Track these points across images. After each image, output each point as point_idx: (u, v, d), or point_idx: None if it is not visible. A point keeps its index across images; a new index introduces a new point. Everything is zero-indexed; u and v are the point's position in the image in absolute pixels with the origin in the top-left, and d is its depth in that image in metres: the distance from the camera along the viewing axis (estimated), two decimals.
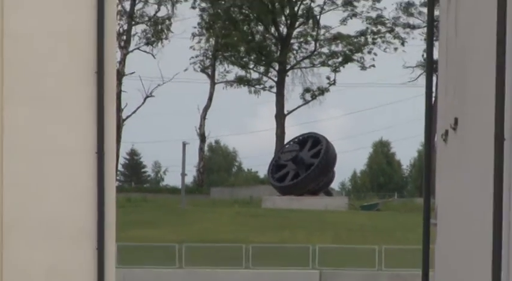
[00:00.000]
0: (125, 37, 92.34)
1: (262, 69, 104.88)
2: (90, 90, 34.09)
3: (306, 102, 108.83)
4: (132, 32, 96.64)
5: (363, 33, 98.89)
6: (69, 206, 34.20)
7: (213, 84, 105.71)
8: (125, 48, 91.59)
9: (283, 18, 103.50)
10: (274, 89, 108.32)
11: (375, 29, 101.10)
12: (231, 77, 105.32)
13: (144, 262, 56.69)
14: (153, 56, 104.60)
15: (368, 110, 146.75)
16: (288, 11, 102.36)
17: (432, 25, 39.68)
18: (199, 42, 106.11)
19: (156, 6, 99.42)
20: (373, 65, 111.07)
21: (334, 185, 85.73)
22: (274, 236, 71.52)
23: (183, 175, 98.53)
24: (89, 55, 33.50)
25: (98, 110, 33.67)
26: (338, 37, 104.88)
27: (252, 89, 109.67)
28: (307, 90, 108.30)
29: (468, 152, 32.52)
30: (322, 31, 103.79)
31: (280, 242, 71.04)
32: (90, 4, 33.73)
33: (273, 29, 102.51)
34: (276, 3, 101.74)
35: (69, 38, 33.57)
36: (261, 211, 79.10)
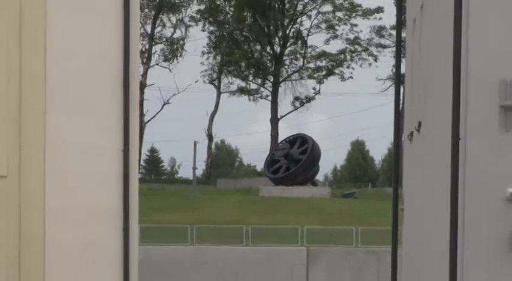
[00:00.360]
0: (146, 55, 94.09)
1: (259, 81, 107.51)
2: (117, 99, 34.03)
3: (296, 108, 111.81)
4: (153, 51, 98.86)
5: (342, 51, 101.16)
6: (101, 194, 34.29)
7: (219, 93, 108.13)
8: (146, 63, 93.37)
9: (277, 39, 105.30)
10: (269, 98, 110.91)
11: (352, 48, 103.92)
12: (233, 87, 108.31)
13: (161, 241, 57.26)
14: (170, 70, 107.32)
15: (347, 115, 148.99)
16: (280, 33, 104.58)
17: (400, 45, 41.48)
18: (207, 58, 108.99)
19: (172, 29, 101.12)
20: (351, 77, 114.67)
21: (319, 177, 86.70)
22: (269, 219, 72.73)
23: (194, 168, 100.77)
24: (117, 70, 33.40)
25: (124, 115, 33.81)
26: (322, 55, 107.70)
27: (251, 97, 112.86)
28: (296, 98, 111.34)
29: (429, 149, 32.99)
30: (309, 50, 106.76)
31: (274, 224, 72.15)
32: (117, 27, 33.83)
33: (268, 48, 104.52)
34: (271, 27, 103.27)
35: (100, 55, 33.53)
36: (258, 199, 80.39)
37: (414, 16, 37.92)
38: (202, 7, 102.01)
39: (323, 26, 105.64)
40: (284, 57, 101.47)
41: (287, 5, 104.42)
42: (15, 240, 33.22)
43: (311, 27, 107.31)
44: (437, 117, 29.97)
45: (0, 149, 33.10)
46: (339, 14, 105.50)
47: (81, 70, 33.05)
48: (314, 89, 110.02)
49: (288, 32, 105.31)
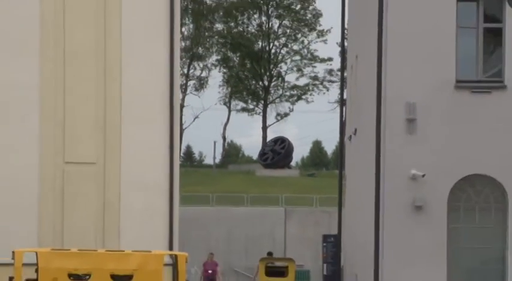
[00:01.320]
0: (184, 87, 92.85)
1: (255, 103, 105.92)
2: (166, 114, 34.59)
3: (278, 121, 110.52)
4: (188, 84, 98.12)
5: (307, 84, 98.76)
6: (156, 174, 34.97)
7: (229, 111, 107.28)
8: (184, 92, 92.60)
9: (265, 77, 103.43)
10: (261, 114, 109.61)
11: (313, 82, 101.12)
12: (238, 107, 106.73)
13: (193, 204, 56.82)
14: (199, 96, 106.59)
15: (310, 124, 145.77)
16: (268, 74, 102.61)
17: (343, 80, 41.25)
18: (222, 89, 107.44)
19: (200, 70, 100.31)
20: (313, 101, 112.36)
21: (293, 163, 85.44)
22: (261, 190, 72.16)
23: (214, 158, 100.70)
24: (166, 96, 33.89)
25: (170, 124, 33.90)
26: (294, 87, 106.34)
27: (250, 113, 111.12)
28: (278, 114, 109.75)
29: (361, 146, 32.85)
30: (285, 84, 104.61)
31: (264, 193, 71.39)
32: (166, 70, 33.87)
33: (260, 83, 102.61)
34: (262, 69, 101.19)
35: (156, 88, 33.90)
36: (254, 177, 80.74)
37: (352, 63, 37.67)
38: (219, 57, 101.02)
39: (294, 69, 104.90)
40: (270, 89, 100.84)
41: (272, 56, 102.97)
42: (101, 205, 33.76)
43: (287, 69, 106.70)
44: (367, 126, 29.86)
45: (91, 146, 34.09)
46: (305, 61, 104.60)
47: (145, 95, 33.63)
48: (289, 108, 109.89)
49: (272, 72, 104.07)
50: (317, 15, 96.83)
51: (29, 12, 33.15)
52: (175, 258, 34.24)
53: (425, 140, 26.36)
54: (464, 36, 26.51)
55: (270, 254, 42.60)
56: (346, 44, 42.49)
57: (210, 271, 42.41)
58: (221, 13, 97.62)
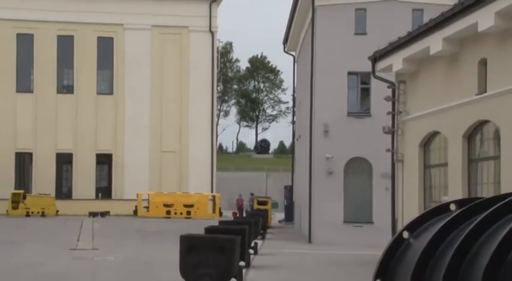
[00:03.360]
0: (218, 115, 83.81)
1: (252, 122, 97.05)
2: (209, 127, 43.03)
3: (263, 130, 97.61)
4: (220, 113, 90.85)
5: (277, 113, 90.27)
6: (205, 156, 42.91)
7: (239, 127, 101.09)
8: (217, 118, 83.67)
9: (257, 111, 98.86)
10: (255, 128, 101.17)
11: (279, 112, 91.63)
12: (244, 125, 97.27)
13: (222, 171, 54.04)
14: (224, 119, 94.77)
15: (279, 132, 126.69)
16: (258, 109, 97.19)
17: (294, 112, 45.05)
18: (237, 116, 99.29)
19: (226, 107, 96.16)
20: (280, 121, 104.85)
21: (270, 152, 79.81)
22: (256, 165, 67.19)
23: (232, 147, 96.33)
24: (209, 118, 42.73)
25: (211, 133, 42.57)
26: (271, 115, 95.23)
27: (250, 128, 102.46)
28: (263, 128, 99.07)
29: (302, 144, 36.34)
30: (267, 113, 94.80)
31: (256, 165, 67.46)
32: (210, 107, 42.42)
33: (255, 112, 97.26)
34: (255, 107, 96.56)
35: (205, 115, 42.97)
36: (252, 158, 75.43)
37: (298, 103, 40.81)
38: (235, 101, 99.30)
39: (272, 106, 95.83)
40: (259, 115, 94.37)
41: (260, 99, 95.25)
42: (179, 174, 43.93)
43: (267, 106, 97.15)
44: (304, 133, 34.84)
45: (173, 144, 43.47)
46: (276, 102, 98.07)
47: (201, 118, 42.98)
48: (268, 125, 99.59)
49: (260, 108, 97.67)
50: (281, 81, 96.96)
51: (144, 79, 43.10)
52: (214, 197, 41.43)
53: (332, 140, 30.58)
54: (351, 88, 31.10)
55: (252, 194, 43.58)
56: (295, 94, 44.92)
57: (240, 203, 43.88)
58: (236, 80, 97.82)
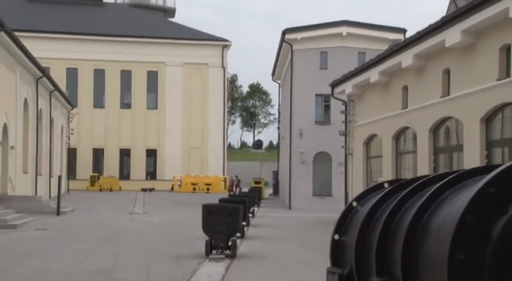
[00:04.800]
0: (227, 123, 78.02)
1: (250, 128, 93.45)
2: (221, 131, 42.17)
3: (258, 133, 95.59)
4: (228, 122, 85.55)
5: (268, 122, 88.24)
6: (219, 150, 41.98)
7: (242, 132, 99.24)
8: (227, 125, 78.23)
9: (254, 120, 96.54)
10: (252, 132, 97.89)
11: (270, 121, 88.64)
12: (245, 129, 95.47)
13: (231, 161, 54.34)
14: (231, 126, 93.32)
15: (269, 135, 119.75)
16: (255, 119, 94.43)
17: (279, 121, 43.42)
18: (241, 124, 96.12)
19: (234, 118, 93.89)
20: (269, 127, 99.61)
21: (263, 148, 76.73)
22: (254, 157, 66.04)
23: (239, 145, 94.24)
24: (222, 125, 41.52)
25: (223, 134, 41.59)
26: (263, 123, 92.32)
27: (249, 132, 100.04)
28: (258, 132, 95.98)
29: (285, 143, 35.42)
30: (260, 122, 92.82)
31: (252, 157, 66.98)
32: (222, 118, 40.99)
33: (251, 126, 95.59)
34: (253, 117, 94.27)
35: (218, 122, 41.68)
36: (250, 152, 72.06)
37: (282, 116, 40.08)
38: (239, 113, 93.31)
39: (264, 117, 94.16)
40: (255, 123, 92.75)
41: (257, 113, 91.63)
42: (201, 163, 42.66)
43: (260, 117, 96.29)
44: (286, 134, 33.82)
45: (198, 142, 42.03)
46: (266, 114, 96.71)
47: (216, 124, 41.79)
48: (262, 130, 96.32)
49: (256, 119, 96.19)
50: (270, 99, 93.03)
51: (178, 99, 42.47)
52: (225, 179, 40.72)
53: (305, 140, 30.31)
54: (317, 105, 31.06)
55: (236, 176, 41.05)
56: (280, 109, 43.02)
57: (231, 183, 40.87)
58: (239, 99, 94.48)
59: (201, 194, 36.40)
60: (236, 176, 41.27)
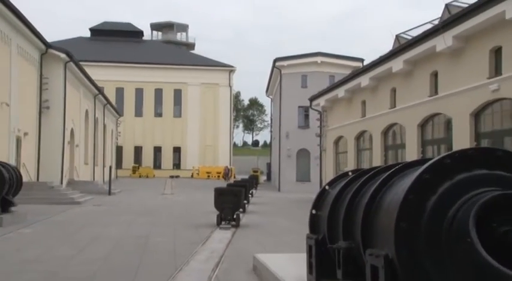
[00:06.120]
0: (232, 128, 70.86)
1: (250, 131, 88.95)
2: (228, 134, 40.04)
3: (256, 135, 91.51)
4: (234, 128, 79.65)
5: (263, 126, 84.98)
6: (226, 147, 40.09)
7: (243, 134, 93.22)
8: (233, 130, 72.58)
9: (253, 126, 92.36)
10: (251, 134, 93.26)
11: (265, 126, 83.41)
12: (246, 132, 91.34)
13: (235, 155, 50.60)
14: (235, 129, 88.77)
15: (263, 136, 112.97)
16: (253, 125, 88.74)
17: (271, 125, 40.47)
18: (243, 128, 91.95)
19: (237, 124, 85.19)
20: (264, 130, 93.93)
21: (259, 145, 72.52)
22: (252, 153, 64.85)
23: (242, 143, 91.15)
24: (229, 129, 39.39)
25: (229, 137, 39.78)
26: (259, 127, 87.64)
27: (249, 134, 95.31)
28: (256, 134, 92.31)
29: (275, 142, 33.17)
30: (257, 127, 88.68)
31: (249, 152, 65.59)
32: (228, 124, 39.16)
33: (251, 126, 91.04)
34: (252, 123, 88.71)
35: (226, 127, 39.92)
36: (250, 148, 72.32)
37: (273, 122, 36.90)
38: (241, 120, 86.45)
39: (260, 122, 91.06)
40: (254, 128, 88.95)
41: (255, 120, 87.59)
42: (213, 156, 40.82)
43: (257, 122, 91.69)
44: (277, 135, 32.25)
45: (210, 140, 40.03)
46: (261, 121, 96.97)
47: (225, 128, 39.86)
48: (258, 132, 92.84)
49: (254, 124, 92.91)
50: (265, 110, 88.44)
51: (197, 110, 40.55)
52: (231, 169, 38.58)
53: (290, 140, 29.44)
54: (299, 114, 29.68)
55: (227, 166, 37.23)
56: (272, 117, 39.99)
57: (226, 171, 37.52)
58: (242, 110, 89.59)
59: (213, 180, 35.73)
60: (227, 167, 39.30)
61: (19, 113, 15.70)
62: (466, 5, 10.84)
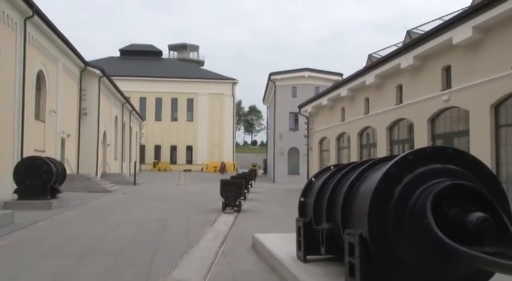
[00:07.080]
0: (235, 131, 64.29)
1: (249, 132, 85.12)
2: (231, 136, 38.40)
3: (254, 136, 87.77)
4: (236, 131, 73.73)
5: (261, 128, 79.31)
6: (229, 147, 38.75)
7: (244, 136, 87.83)
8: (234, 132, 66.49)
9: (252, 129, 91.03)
10: (250, 135, 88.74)
11: (262, 128, 79.77)
12: (247, 133, 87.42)
13: (237, 153, 44.42)
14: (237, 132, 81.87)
15: (261, 136, 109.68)
16: (252, 128, 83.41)
17: (267, 127, 38.52)
18: (244, 130, 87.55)
19: (239, 127, 77.48)
20: (261, 132, 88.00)
21: (257, 144, 70.92)
22: (252, 151, 63.28)
23: (243, 142, 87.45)
24: (232, 133, 37.75)
25: (232, 138, 38.48)
26: (257, 129, 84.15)
27: (249, 135, 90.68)
28: (254, 135, 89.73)
29: (270, 142, 32.97)
30: (255, 129, 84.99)
31: (249, 150, 63.37)
32: (232, 128, 37.65)
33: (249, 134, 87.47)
34: (251, 126, 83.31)
35: (229, 132, 38.05)
36: (249, 147, 70.22)
37: (268, 125, 35.72)
38: (242, 124, 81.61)
39: (258, 125, 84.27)
40: (253, 130, 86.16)
41: (253, 124, 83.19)
42: (219, 154, 39.15)
43: (255, 125, 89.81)
44: (271, 136, 31.84)
45: (216, 140, 38.49)
46: (258, 124, 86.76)
47: (229, 133, 38.15)
48: (256, 134, 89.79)
49: (253, 127, 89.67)
50: (262, 115, 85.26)
51: (205, 115, 39.31)
52: (234, 164, 37.63)
53: (283, 140, 28.92)
54: (290, 119, 28.85)
55: (222, 162, 36.00)
56: (268, 121, 38.06)
57: (222, 166, 35.89)
58: (243, 115, 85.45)
59: (219, 173, 34.48)
60: (223, 162, 37.64)
61: (63, 118, 16.27)
62: (423, 32, 11.32)
